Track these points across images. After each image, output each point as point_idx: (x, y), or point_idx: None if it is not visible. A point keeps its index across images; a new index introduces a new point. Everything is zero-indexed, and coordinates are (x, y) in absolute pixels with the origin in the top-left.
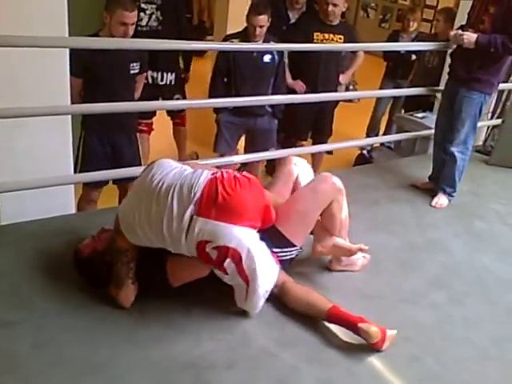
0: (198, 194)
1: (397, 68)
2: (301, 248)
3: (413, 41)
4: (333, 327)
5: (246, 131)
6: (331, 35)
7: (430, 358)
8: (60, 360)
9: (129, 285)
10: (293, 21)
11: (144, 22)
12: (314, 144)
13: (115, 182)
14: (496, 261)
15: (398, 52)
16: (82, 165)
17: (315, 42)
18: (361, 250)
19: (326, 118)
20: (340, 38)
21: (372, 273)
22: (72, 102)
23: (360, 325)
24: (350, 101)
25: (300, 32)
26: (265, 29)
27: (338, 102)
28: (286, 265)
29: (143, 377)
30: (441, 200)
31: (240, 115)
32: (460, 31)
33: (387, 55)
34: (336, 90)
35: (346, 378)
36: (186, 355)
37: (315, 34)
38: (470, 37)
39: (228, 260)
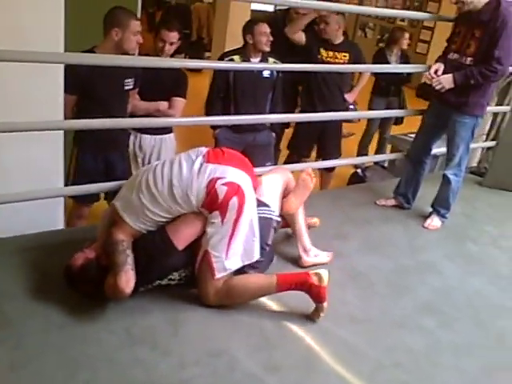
0: (204, 151)
1: (389, 86)
2: (278, 217)
3: (400, 58)
4: (322, 351)
5: (245, 146)
6: (336, 53)
7: None
8: (38, 381)
9: (128, 270)
10: None
11: None
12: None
13: (106, 197)
14: (487, 284)
15: None
16: (73, 181)
17: (321, 60)
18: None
19: (331, 137)
20: (344, 56)
21: (363, 296)
22: (65, 118)
23: (311, 272)
24: (349, 121)
25: (306, 49)
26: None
27: (342, 121)
28: (269, 229)
29: None
30: (434, 221)
31: (239, 131)
32: (432, 73)
33: (378, 73)
34: (341, 109)
35: None
36: (170, 380)
37: (321, 49)
38: (446, 80)
39: (234, 199)
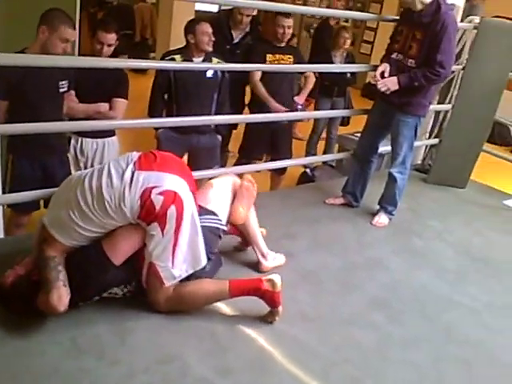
0: (134, 158)
1: (333, 86)
2: (225, 224)
3: (345, 59)
4: (275, 351)
5: (188, 148)
6: (281, 56)
7: (369, 380)
8: None
9: (60, 286)
10: (236, 40)
11: None
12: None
13: (46, 205)
14: (433, 278)
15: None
16: (10, 189)
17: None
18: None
19: (282, 138)
20: (289, 58)
21: (313, 294)
22: None
23: (264, 278)
24: (299, 121)
25: (253, 54)
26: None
27: (292, 122)
28: (215, 240)
29: None
30: (381, 219)
31: (182, 132)
32: (378, 76)
33: (323, 74)
34: (291, 110)
35: None
36: None
37: (268, 55)
38: (391, 82)
39: (172, 207)
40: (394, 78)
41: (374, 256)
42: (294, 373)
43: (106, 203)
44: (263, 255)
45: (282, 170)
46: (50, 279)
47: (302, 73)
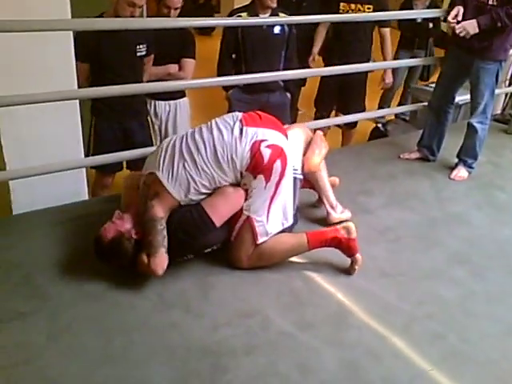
0: (240, 116)
1: (414, 37)
2: (301, 174)
3: (428, 8)
4: (354, 306)
5: (258, 107)
6: (358, 5)
7: (453, 335)
8: (75, 350)
9: (163, 253)
10: None
11: None
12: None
13: (129, 167)
14: None
15: (415, 21)
16: (93, 151)
17: (341, 13)
18: None
19: (352, 92)
20: (369, 8)
21: (392, 250)
22: (80, 87)
23: (338, 227)
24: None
25: (326, 3)
26: None
27: (366, 74)
28: (296, 192)
29: (161, 365)
30: (461, 172)
31: (251, 92)
32: (451, 19)
33: (403, 25)
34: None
35: (369, 359)
36: (204, 341)
37: (341, 4)
38: (470, 25)
39: (278, 161)
40: (473, 21)
41: (454, 211)
42: (374, 327)
43: (219, 154)
44: (332, 206)
45: (353, 124)
46: (154, 244)
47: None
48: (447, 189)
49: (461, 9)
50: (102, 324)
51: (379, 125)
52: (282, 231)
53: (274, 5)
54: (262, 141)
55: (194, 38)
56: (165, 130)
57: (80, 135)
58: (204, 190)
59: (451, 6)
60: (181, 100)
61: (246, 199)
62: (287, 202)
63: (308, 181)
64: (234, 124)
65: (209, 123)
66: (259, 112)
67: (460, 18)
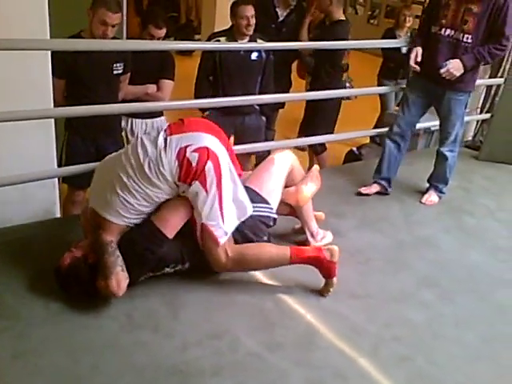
0: (164, 127)
1: (398, 68)
2: (276, 213)
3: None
4: (323, 328)
5: (234, 130)
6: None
7: (420, 357)
8: (41, 370)
9: (118, 272)
10: (281, 18)
11: None
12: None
13: None
14: (486, 257)
15: (399, 51)
16: (65, 164)
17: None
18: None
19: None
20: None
21: (361, 272)
22: (55, 103)
23: (323, 247)
24: (347, 98)
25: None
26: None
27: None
28: (263, 229)
29: None
30: (432, 197)
31: (227, 114)
32: (413, 63)
33: (388, 55)
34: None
35: (336, 380)
36: (172, 361)
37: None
38: (456, 68)
39: (209, 163)
40: (458, 62)
41: (423, 234)
42: (342, 349)
43: (147, 170)
44: (312, 235)
45: (321, 149)
46: (108, 265)
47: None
48: (417, 213)
49: (419, 50)
50: (69, 343)
51: (354, 148)
52: (267, 239)
53: (250, 33)
54: (187, 146)
55: (174, 59)
56: None
57: (54, 150)
58: (145, 209)
59: (411, 43)
60: (158, 119)
61: (193, 207)
62: (238, 195)
63: (292, 209)
64: (158, 135)
65: (134, 141)
66: (185, 119)
67: (420, 59)
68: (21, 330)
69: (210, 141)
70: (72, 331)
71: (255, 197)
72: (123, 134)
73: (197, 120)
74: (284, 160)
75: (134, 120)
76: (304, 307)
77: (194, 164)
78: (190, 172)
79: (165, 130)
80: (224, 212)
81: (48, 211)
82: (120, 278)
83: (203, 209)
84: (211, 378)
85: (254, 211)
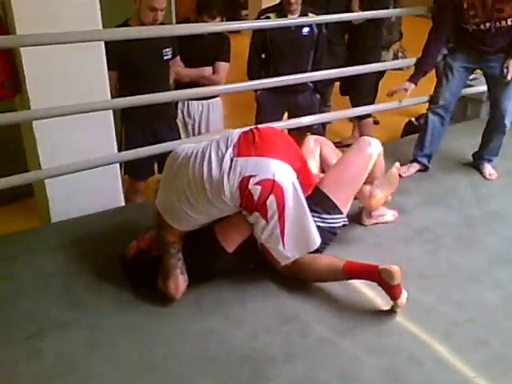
0: (234, 140)
1: None
2: (346, 218)
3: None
4: (396, 313)
5: (287, 108)
6: None
7: (495, 340)
8: (115, 359)
9: (177, 275)
10: None
11: None
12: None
13: (160, 171)
14: None
15: None
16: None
17: None
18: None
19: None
20: None
21: (430, 251)
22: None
23: (381, 267)
24: (399, 69)
25: None
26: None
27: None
28: (331, 238)
29: (202, 372)
30: (491, 170)
31: (280, 93)
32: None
33: None
34: None
35: (409, 366)
36: (243, 348)
37: None
38: None
39: (271, 197)
40: None
41: (493, 209)
42: (415, 333)
43: (208, 193)
44: (368, 214)
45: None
46: (167, 267)
47: None
48: (485, 186)
49: (412, 85)
50: (141, 332)
51: (412, 118)
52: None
53: (297, 7)
54: (251, 176)
55: (229, 41)
56: (198, 129)
57: (114, 143)
58: (205, 222)
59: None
60: (213, 100)
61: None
62: (306, 227)
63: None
64: (226, 151)
65: (205, 146)
66: (256, 131)
67: (408, 93)
68: (93, 320)
69: (278, 169)
70: (143, 320)
71: (331, 208)
72: (179, 117)
73: (268, 135)
74: (374, 152)
75: (190, 102)
76: (373, 291)
77: (255, 197)
78: (250, 203)
79: (234, 146)
80: (286, 241)
81: (112, 202)
82: (178, 281)
83: (262, 234)
84: (283, 365)
85: (327, 223)
